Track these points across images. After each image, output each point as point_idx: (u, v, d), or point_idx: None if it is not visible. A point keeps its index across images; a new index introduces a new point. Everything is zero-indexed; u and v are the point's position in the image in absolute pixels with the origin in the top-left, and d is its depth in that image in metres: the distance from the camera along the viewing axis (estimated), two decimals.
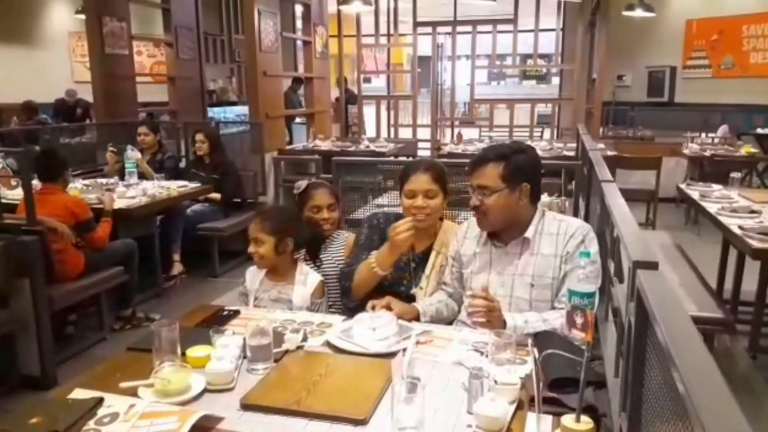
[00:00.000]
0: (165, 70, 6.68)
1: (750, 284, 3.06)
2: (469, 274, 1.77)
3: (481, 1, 6.03)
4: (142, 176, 4.09)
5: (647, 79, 7.91)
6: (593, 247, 1.66)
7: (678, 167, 6.01)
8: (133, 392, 1.26)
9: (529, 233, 1.68)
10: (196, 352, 1.40)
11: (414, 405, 1.09)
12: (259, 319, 1.42)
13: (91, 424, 1.14)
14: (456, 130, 7.49)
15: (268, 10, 5.33)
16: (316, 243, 2.09)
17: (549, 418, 1.15)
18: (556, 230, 1.69)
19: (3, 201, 2.86)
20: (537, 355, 1.36)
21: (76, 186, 3.71)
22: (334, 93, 8.23)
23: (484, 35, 7.79)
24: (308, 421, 1.18)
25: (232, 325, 1.64)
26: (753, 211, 2.87)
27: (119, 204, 3.41)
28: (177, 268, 4.04)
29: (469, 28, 7.60)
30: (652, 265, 0.98)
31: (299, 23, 7.17)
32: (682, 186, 3.68)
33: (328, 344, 1.53)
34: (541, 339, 1.46)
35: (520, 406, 1.20)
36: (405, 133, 7.86)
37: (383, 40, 8.00)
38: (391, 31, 8.00)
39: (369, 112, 8.34)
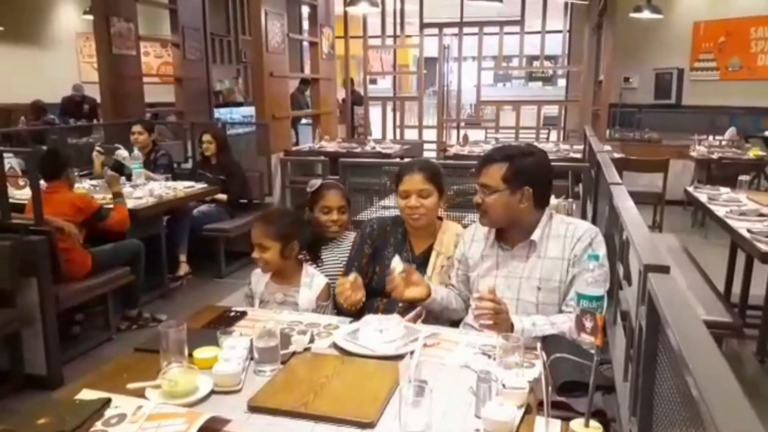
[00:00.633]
0: (172, 70, 6.70)
1: (758, 288, 3.04)
2: (476, 277, 1.76)
3: (487, 3, 6.02)
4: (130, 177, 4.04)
5: (654, 81, 7.87)
6: (601, 250, 1.65)
7: (685, 170, 5.97)
8: (140, 393, 1.26)
9: (535, 236, 1.67)
10: (203, 353, 1.40)
11: (421, 408, 1.08)
12: (266, 321, 1.42)
13: (98, 425, 1.14)
14: (462, 132, 7.49)
15: (274, 11, 5.34)
16: (317, 243, 2.09)
17: (558, 422, 1.14)
18: (564, 233, 1.68)
19: (11, 201, 2.87)
20: (545, 358, 1.35)
21: (84, 186, 3.73)
22: (340, 94, 8.23)
23: (490, 36, 7.78)
24: (315, 423, 1.17)
25: (239, 327, 1.64)
26: (761, 215, 2.85)
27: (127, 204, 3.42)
28: (183, 268, 4.05)
29: (475, 30, 7.60)
30: (664, 269, 0.97)
31: (306, 24, 7.18)
32: (690, 189, 3.66)
33: (335, 346, 1.52)
34: (549, 342, 1.45)
35: (528, 411, 1.20)
36: (411, 135, 7.85)
37: (389, 41, 8.00)
38: (398, 33, 8.00)
39: (375, 113, 8.35)
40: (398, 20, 7.82)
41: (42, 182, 3.05)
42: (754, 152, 5.64)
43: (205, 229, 4.14)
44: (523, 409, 1.18)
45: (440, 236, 1.96)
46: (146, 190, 3.70)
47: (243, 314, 1.75)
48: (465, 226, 2.14)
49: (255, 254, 1.87)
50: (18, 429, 1.15)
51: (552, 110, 8.84)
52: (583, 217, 2.81)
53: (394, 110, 8.18)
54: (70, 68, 8.94)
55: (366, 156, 5.48)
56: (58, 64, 8.83)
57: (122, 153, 4.01)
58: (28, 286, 2.61)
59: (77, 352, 3.02)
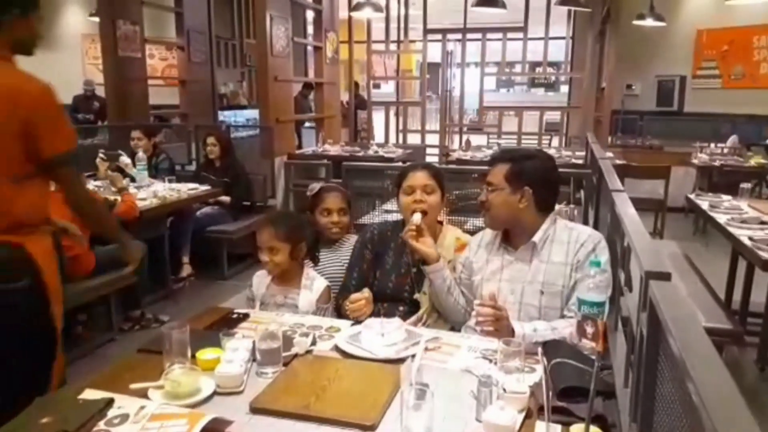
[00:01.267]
0: (176, 73, 6.73)
1: (759, 296, 3.04)
2: (479, 281, 1.77)
3: (491, 9, 6.05)
4: (133, 180, 4.07)
5: (657, 88, 7.88)
6: (604, 256, 1.66)
7: (687, 177, 5.98)
8: (143, 394, 1.27)
9: (536, 238, 1.69)
10: (205, 354, 1.40)
11: (422, 412, 1.09)
12: (269, 323, 1.43)
13: (101, 425, 1.15)
14: (464, 137, 7.50)
15: (279, 16, 5.37)
16: (316, 245, 2.09)
17: (558, 427, 1.15)
18: (567, 238, 1.69)
19: None
20: (546, 363, 1.36)
21: (88, 187, 3.74)
22: (344, 97, 8.25)
23: (493, 43, 7.80)
24: (317, 425, 1.18)
25: (241, 328, 1.65)
26: (763, 222, 2.85)
27: None
28: (186, 270, 4.06)
29: (478, 36, 7.61)
30: (665, 276, 0.98)
31: (310, 29, 7.21)
32: (692, 196, 3.67)
33: (337, 349, 1.53)
34: (550, 348, 1.46)
35: (528, 415, 1.20)
36: (413, 139, 7.86)
37: (393, 46, 8.03)
38: (401, 38, 8.03)
39: (377, 117, 8.36)
40: (402, 26, 7.85)
41: None
42: (755, 160, 5.64)
43: (208, 231, 4.15)
44: (523, 414, 1.19)
45: (440, 240, 1.97)
46: (150, 192, 3.72)
47: (246, 316, 1.75)
48: (467, 231, 2.15)
49: (265, 257, 1.86)
50: (21, 428, 1.16)
51: (554, 116, 8.85)
52: (585, 223, 2.81)
53: (397, 115, 8.19)
54: (75, 70, 8.97)
55: (369, 160, 5.49)
56: (63, 66, 8.83)
57: (124, 160, 4.03)
58: None
59: (80, 352, 3.02)
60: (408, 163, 2.28)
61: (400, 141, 7.78)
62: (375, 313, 1.82)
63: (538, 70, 9.65)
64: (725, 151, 6.16)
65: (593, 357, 1.14)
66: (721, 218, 2.98)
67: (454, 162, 5.52)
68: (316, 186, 2.25)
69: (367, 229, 2.13)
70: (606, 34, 6.59)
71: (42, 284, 1.69)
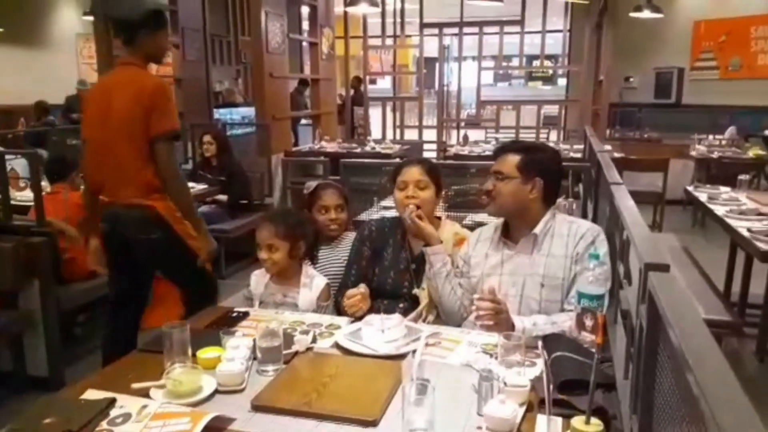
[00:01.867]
0: (171, 71, 6.70)
1: (758, 287, 3.05)
2: (480, 276, 1.77)
3: (487, 3, 6.03)
4: None
5: (654, 80, 7.88)
6: (603, 248, 1.66)
7: (685, 169, 5.98)
8: (144, 393, 1.27)
9: (537, 230, 1.70)
10: (206, 353, 1.40)
11: (424, 407, 1.09)
12: (269, 321, 1.43)
13: (104, 424, 1.15)
14: (462, 132, 7.50)
15: (274, 12, 5.35)
16: (314, 244, 2.09)
17: (559, 420, 1.15)
18: (567, 232, 1.70)
19: (13, 203, 2.88)
20: (546, 357, 1.36)
21: (84, 188, 3.73)
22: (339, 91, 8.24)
23: (490, 36, 7.78)
24: (318, 422, 1.18)
25: (241, 327, 1.65)
26: (761, 214, 2.86)
27: None
28: None
29: (475, 30, 7.60)
30: (664, 267, 0.98)
31: (306, 25, 7.18)
32: (690, 188, 3.67)
33: (338, 346, 1.53)
34: (550, 341, 1.46)
35: (529, 408, 1.21)
36: (411, 135, 7.86)
37: (389, 41, 8.00)
38: (398, 33, 8.01)
39: (374, 113, 8.35)
40: (398, 20, 7.83)
41: (45, 184, 3.07)
42: (753, 152, 5.65)
43: None
44: (524, 407, 1.19)
45: (438, 235, 1.96)
46: None
47: (245, 315, 1.75)
48: (465, 226, 2.15)
49: (263, 255, 1.86)
50: (24, 428, 1.16)
51: (552, 110, 8.85)
52: (584, 216, 2.82)
53: (393, 110, 8.18)
54: (70, 69, 8.94)
55: (366, 156, 5.49)
56: (58, 66, 8.83)
57: None
58: (30, 288, 2.62)
59: (79, 353, 3.02)
60: (405, 159, 2.28)
61: (398, 137, 7.77)
62: (375, 310, 1.82)
63: (536, 63, 9.63)
64: (723, 142, 6.16)
65: (593, 350, 1.14)
66: (720, 210, 2.98)
67: (452, 157, 5.51)
68: (312, 184, 2.25)
69: (365, 225, 2.13)
70: (603, 27, 6.58)
71: (174, 232, 2.20)
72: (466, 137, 6.46)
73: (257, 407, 1.24)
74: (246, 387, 1.32)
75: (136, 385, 1.28)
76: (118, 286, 2.41)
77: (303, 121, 8.02)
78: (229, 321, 1.70)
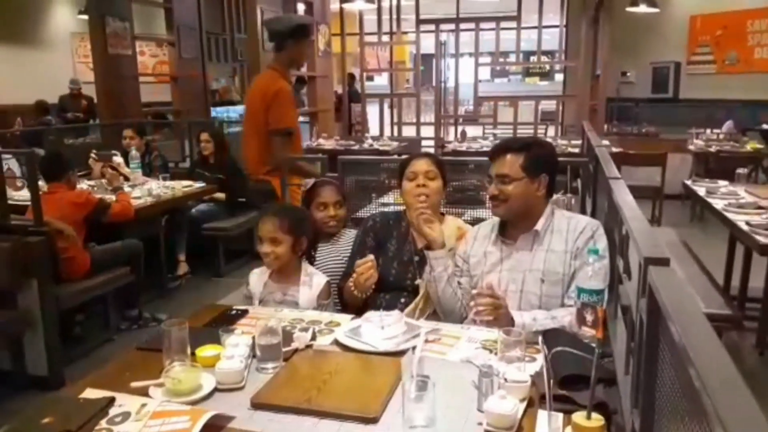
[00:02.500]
0: (168, 69, 6.69)
1: (757, 280, 3.05)
2: (480, 274, 1.76)
3: None
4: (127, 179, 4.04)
5: (651, 75, 7.88)
6: (602, 243, 1.66)
7: (683, 164, 5.98)
8: (143, 392, 1.27)
9: (539, 226, 1.69)
10: (205, 351, 1.40)
11: (424, 403, 1.09)
12: (268, 319, 1.43)
13: (103, 423, 1.15)
14: (460, 128, 7.49)
15: (270, 9, 5.34)
16: (313, 242, 2.09)
17: (560, 415, 1.15)
18: (566, 227, 1.70)
19: (10, 202, 2.87)
20: (547, 352, 1.36)
21: (82, 187, 3.72)
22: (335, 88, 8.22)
23: (487, 32, 7.76)
24: (318, 419, 1.18)
25: (240, 325, 1.64)
26: (760, 207, 2.86)
27: None
28: (183, 268, 4.04)
29: (472, 26, 7.58)
30: (664, 261, 0.97)
31: None
32: (688, 182, 3.67)
33: (337, 343, 1.53)
34: (550, 336, 1.46)
35: (530, 404, 1.20)
36: (408, 132, 7.85)
37: (386, 38, 7.99)
38: (394, 29, 7.99)
39: (372, 110, 8.34)
40: (394, 16, 7.81)
41: (42, 183, 3.05)
42: (751, 145, 5.66)
43: (204, 228, 4.13)
44: (525, 403, 1.19)
45: (443, 230, 1.96)
46: (144, 190, 3.70)
47: (244, 312, 1.75)
48: (465, 222, 2.15)
49: (266, 248, 1.84)
50: (23, 428, 1.16)
51: (549, 105, 8.84)
52: (582, 211, 2.81)
53: (391, 107, 8.16)
54: (65, 68, 8.90)
55: (364, 153, 5.48)
56: (53, 65, 8.79)
57: (117, 159, 4.01)
58: (28, 288, 2.61)
59: (78, 352, 3.02)
60: (404, 156, 2.28)
61: (395, 134, 7.76)
62: (377, 305, 1.82)
63: (533, 59, 9.62)
64: (721, 136, 6.16)
65: (593, 344, 1.14)
66: (719, 204, 2.98)
67: (450, 153, 5.50)
68: (309, 181, 2.26)
69: (369, 218, 2.14)
70: (600, 22, 6.57)
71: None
72: (464, 133, 6.45)
73: (257, 405, 1.23)
74: (245, 385, 1.31)
75: (135, 384, 1.28)
76: None
77: (300, 119, 8.00)
78: (228, 319, 1.70)
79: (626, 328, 1.32)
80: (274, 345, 1.39)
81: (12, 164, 3.63)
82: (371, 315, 1.58)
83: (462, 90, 8.25)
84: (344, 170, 2.73)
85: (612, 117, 7.39)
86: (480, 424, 1.14)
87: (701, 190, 3.34)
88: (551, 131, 8.23)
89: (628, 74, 7.98)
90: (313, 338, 1.54)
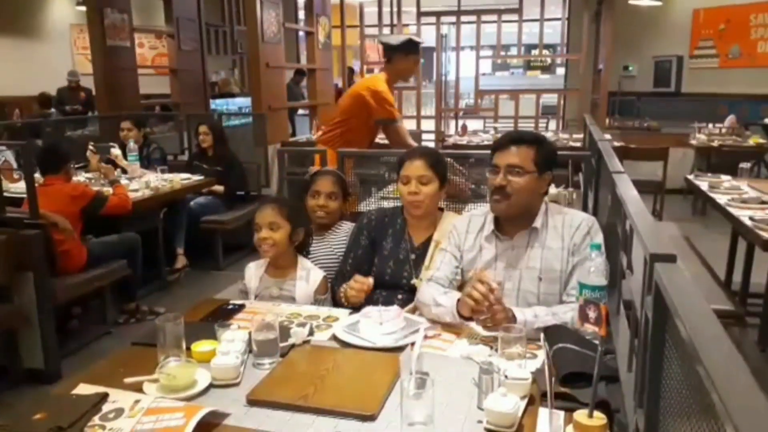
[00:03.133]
0: (167, 62, 6.64)
1: (759, 276, 3.03)
2: (474, 271, 1.72)
3: None
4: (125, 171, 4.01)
5: (654, 69, 7.83)
6: (598, 239, 1.63)
7: (685, 158, 5.95)
8: (137, 387, 1.25)
9: (536, 223, 1.65)
10: (201, 347, 1.38)
11: (423, 400, 1.06)
12: (265, 314, 1.40)
13: (95, 419, 1.13)
14: (460, 122, 7.45)
15: (270, 1, 5.28)
16: (307, 237, 2.06)
17: (561, 413, 1.13)
18: (561, 223, 1.66)
19: (6, 195, 2.85)
20: (548, 349, 1.34)
21: (79, 179, 3.70)
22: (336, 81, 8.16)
23: (488, 25, 7.71)
24: (316, 416, 1.16)
25: (237, 320, 1.62)
26: (763, 202, 2.83)
27: None
28: (181, 261, 4.02)
29: (473, 18, 7.54)
30: (671, 258, 0.95)
31: (302, 14, 7.12)
32: (691, 177, 3.64)
33: (335, 338, 1.51)
34: (552, 333, 1.43)
35: (531, 402, 1.18)
36: (409, 125, 7.78)
37: (386, 30, 7.93)
38: (395, 22, 7.94)
39: None
40: (395, 9, 7.76)
41: (39, 176, 3.03)
42: (754, 140, 5.62)
43: (202, 221, 4.11)
44: (526, 400, 1.17)
45: (440, 227, 1.93)
46: (142, 183, 3.67)
47: (241, 307, 1.73)
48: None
49: (263, 234, 1.81)
50: (15, 425, 1.13)
51: (551, 99, 8.80)
52: (584, 206, 2.78)
53: None
54: (64, 60, 8.84)
55: None
56: (52, 57, 8.74)
57: (115, 152, 3.98)
58: (24, 281, 2.59)
59: (75, 346, 3.00)
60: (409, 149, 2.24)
61: None
62: (373, 301, 1.79)
63: (534, 52, 9.57)
64: (723, 131, 6.12)
65: (596, 342, 1.12)
66: (722, 199, 2.95)
67: (451, 147, 5.47)
68: (314, 169, 2.23)
69: (364, 215, 2.10)
70: (602, 15, 6.52)
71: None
72: (464, 127, 6.42)
73: (253, 401, 1.21)
74: (241, 381, 1.29)
75: (128, 380, 1.26)
76: None
77: (300, 112, 7.97)
78: (225, 313, 1.68)
79: (629, 324, 1.30)
80: (271, 340, 1.37)
81: (8, 156, 3.59)
82: (370, 310, 1.56)
83: (463, 83, 8.21)
84: (344, 163, 2.71)
85: (613, 111, 7.35)
86: (480, 422, 1.12)
87: (704, 185, 3.31)
88: (552, 125, 8.19)
89: (630, 68, 7.93)
90: (311, 333, 1.52)
